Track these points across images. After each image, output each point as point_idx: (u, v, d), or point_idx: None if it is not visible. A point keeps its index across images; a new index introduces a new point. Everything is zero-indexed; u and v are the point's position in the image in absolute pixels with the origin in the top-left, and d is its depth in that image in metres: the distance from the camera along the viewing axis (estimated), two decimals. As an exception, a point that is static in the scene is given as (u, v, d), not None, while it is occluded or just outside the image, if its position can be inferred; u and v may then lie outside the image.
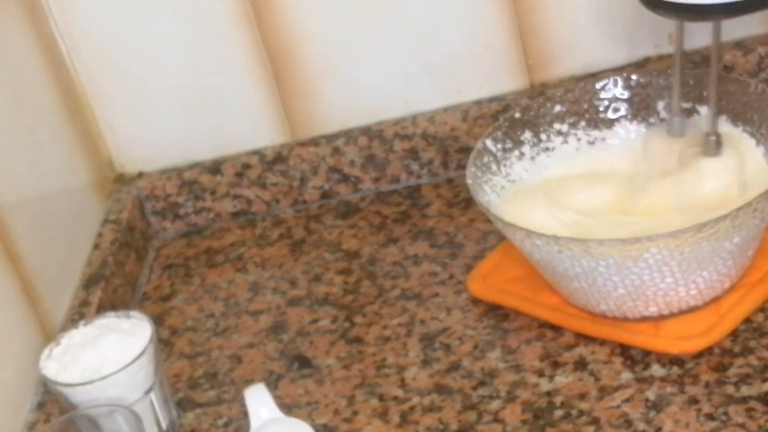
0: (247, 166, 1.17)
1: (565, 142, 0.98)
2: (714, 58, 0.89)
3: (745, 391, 0.81)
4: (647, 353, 0.86)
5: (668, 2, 0.84)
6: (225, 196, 1.18)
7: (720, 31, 0.88)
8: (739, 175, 0.89)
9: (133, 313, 0.91)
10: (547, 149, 0.98)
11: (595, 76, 1.10)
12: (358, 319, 0.99)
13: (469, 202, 1.09)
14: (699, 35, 1.00)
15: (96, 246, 1.10)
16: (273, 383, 0.94)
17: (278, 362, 0.96)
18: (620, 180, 0.94)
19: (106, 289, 1.05)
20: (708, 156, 0.90)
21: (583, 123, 0.99)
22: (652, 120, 0.98)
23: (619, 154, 0.97)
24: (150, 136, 1.19)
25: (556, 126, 0.99)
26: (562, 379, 0.86)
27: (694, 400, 0.81)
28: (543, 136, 0.98)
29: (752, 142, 0.92)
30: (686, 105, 0.96)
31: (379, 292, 1.01)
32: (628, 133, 0.98)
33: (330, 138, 1.16)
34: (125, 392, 0.85)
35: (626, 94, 0.98)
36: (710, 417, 0.79)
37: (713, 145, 0.90)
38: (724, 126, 0.94)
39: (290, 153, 1.16)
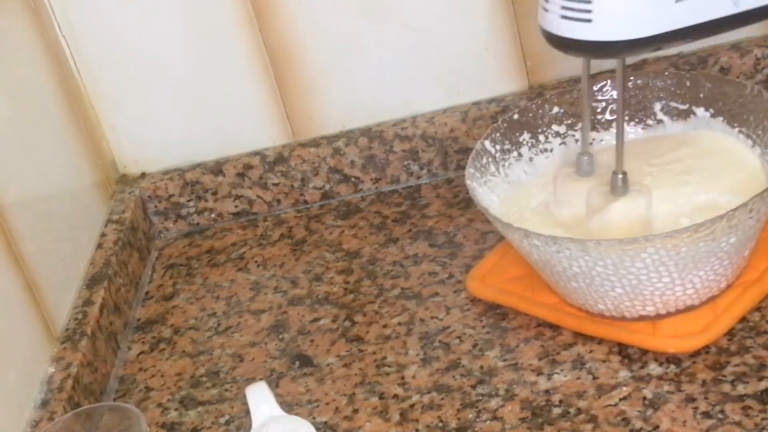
0: (248, 167, 1.18)
1: (563, 143, 0.99)
2: (619, 93, 0.88)
3: (741, 389, 0.81)
4: (644, 352, 0.86)
5: (574, 40, 0.82)
6: (227, 197, 1.19)
7: (625, 67, 0.87)
8: (645, 213, 0.88)
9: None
10: (545, 150, 0.99)
11: (593, 77, 1.10)
12: (358, 318, 0.99)
13: (468, 203, 1.09)
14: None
15: (99, 246, 1.11)
16: (274, 382, 0.94)
17: (279, 361, 0.97)
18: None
19: (109, 288, 1.05)
20: (615, 194, 0.89)
21: (580, 124, 0.99)
22: (649, 122, 0.99)
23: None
24: (152, 137, 1.19)
25: (554, 127, 0.99)
26: (561, 378, 0.86)
27: (691, 399, 0.81)
28: (541, 138, 0.99)
29: (748, 143, 0.93)
30: (683, 107, 0.97)
31: (379, 292, 1.02)
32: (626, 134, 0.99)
33: (330, 139, 1.17)
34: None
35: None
36: (707, 415, 0.80)
37: (620, 182, 0.89)
38: (720, 128, 0.95)
39: (291, 154, 1.17)
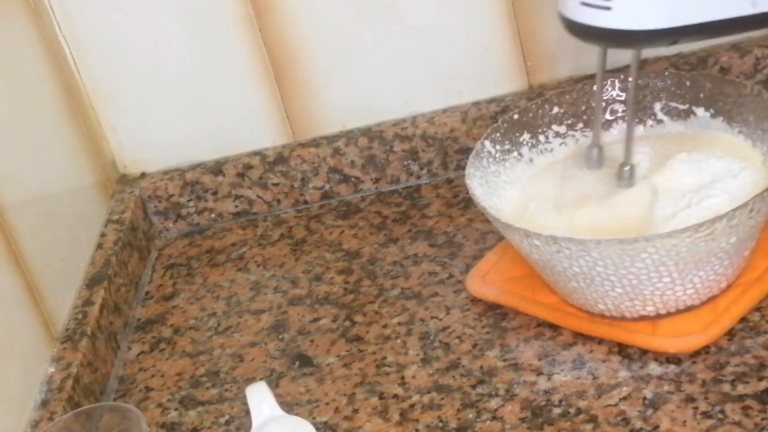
0: (248, 167, 1.18)
1: (563, 143, 0.99)
2: (632, 86, 0.89)
3: (741, 389, 0.81)
4: (644, 352, 0.86)
5: (592, 28, 0.83)
6: (227, 197, 1.19)
7: (639, 58, 0.88)
8: (650, 206, 0.88)
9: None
10: (545, 150, 0.99)
11: (593, 77, 1.10)
12: (358, 318, 0.99)
13: (468, 203, 1.09)
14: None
15: (99, 246, 1.11)
16: (274, 381, 0.94)
17: (279, 361, 0.97)
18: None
19: (109, 288, 1.05)
20: (622, 186, 0.90)
21: (581, 124, 0.99)
22: (649, 122, 0.99)
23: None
24: (152, 137, 1.19)
25: (554, 127, 0.99)
26: (561, 378, 0.86)
27: (690, 399, 0.81)
28: (541, 138, 0.99)
29: (748, 143, 0.93)
30: (683, 107, 0.97)
31: (379, 292, 1.02)
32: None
33: (331, 139, 1.17)
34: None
35: (623, 96, 0.99)
36: (707, 415, 0.80)
37: (627, 175, 0.90)
38: (720, 128, 0.95)
39: (291, 154, 1.17)
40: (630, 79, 0.90)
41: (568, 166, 0.95)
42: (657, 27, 0.81)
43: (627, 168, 0.90)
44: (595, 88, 0.93)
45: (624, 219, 0.88)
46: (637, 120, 0.99)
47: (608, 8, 0.81)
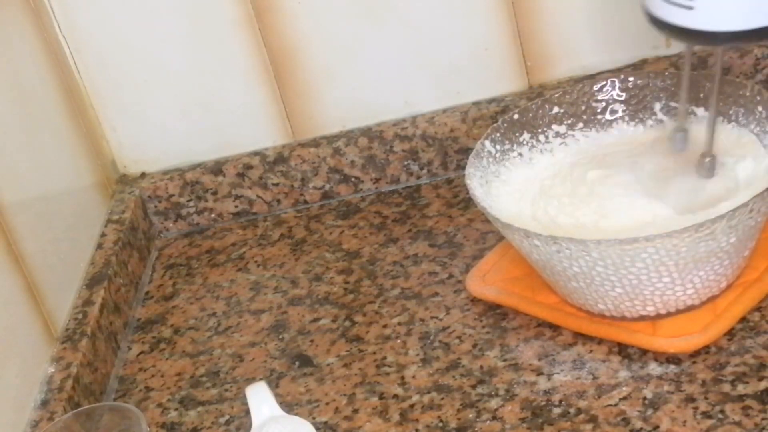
0: (248, 167, 1.18)
1: (564, 143, 0.99)
2: (717, 78, 0.88)
3: (741, 389, 0.81)
4: (644, 352, 0.86)
5: (674, 26, 0.82)
6: (227, 197, 1.19)
7: (723, 56, 0.87)
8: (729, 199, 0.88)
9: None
10: (545, 150, 0.99)
11: (593, 77, 1.10)
12: (358, 318, 0.99)
13: (468, 203, 1.09)
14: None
15: (99, 246, 1.11)
16: (274, 382, 0.94)
17: (279, 361, 0.97)
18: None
19: (109, 288, 1.05)
20: (701, 176, 0.89)
21: (580, 124, 0.99)
22: (649, 122, 0.99)
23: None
24: (152, 137, 1.19)
25: (554, 127, 0.99)
26: (561, 378, 0.86)
27: (690, 399, 0.82)
28: (541, 138, 0.99)
29: (750, 142, 0.93)
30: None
31: (379, 292, 1.02)
32: (624, 134, 0.99)
33: (330, 139, 1.17)
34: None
35: (623, 96, 0.99)
36: (707, 415, 0.80)
37: (708, 166, 0.89)
38: (720, 128, 0.95)
39: (291, 154, 1.17)
40: (715, 72, 0.89)
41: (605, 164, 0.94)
42: (740, 28, 0.80)
43: (708, 159, 0.89)
44: (684, 72, 0.91)
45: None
46: (637, 120, 0.99)
47: (691, 8, 0.80)
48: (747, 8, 0.80)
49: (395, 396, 0.89)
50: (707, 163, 0.89)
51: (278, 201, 1.19)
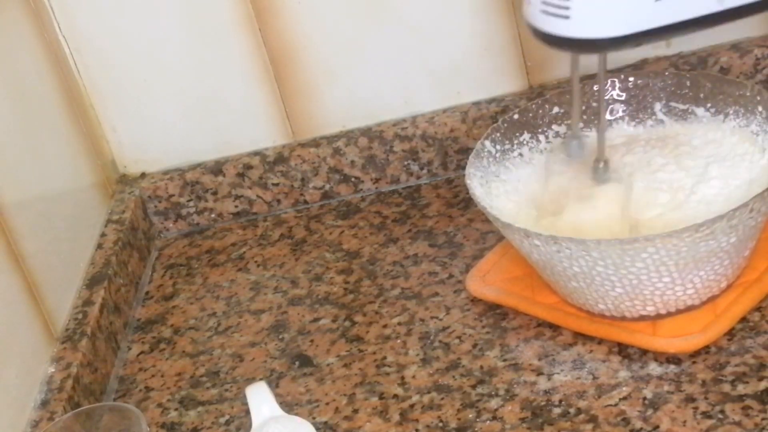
0: (248, 167, 1.18)
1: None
2: (600, 86, 0.89)
3: (741, 389, 0.81)
4: (645, 352, 0.86)
5: (553, 36, 0.82)
6: (227, 197, 1.19)
7: (605, 61, 0.87)
8: (624, 204, 0.88)
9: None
10: (545, 150, 0.99)
11: (593, 77, 1.10)
12: (358, 318, 1.00)
13: (468, 203, 1.09)
14: (697, 38, 1.01)
15: (99, 246, 1.11)
16: (274, 382, 0.94)
17: (279, 361, 0.97)
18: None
19: (109, 288, 1.05)
20: (596, 181, 0.90)
21: (580, 124, 0.99)
22: (650, 123, 0.99)
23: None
24: (153, 137, 1.19)
25: (554, 127, 0.99)
26: (561, 378, 0.86)
27: (691, 399, 0.82)
28: (541, 138, 0.99)
29: (749, 141, 0.93)
30: (683, 107, 0.97)
31: (379, 292, 1.02)
32: (625, 134, 0.99)
33: (331, 139, 1.17)
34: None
35: (623, 96, 0.99)
36: (707, 415, 0.80)
37: (601, 171, 0.90)
38: (720, 127, 0.95)
39: (291, 154, 1.17)
40: (597, 77, 0.90)
41: (553, 161, 0.94)
42: (618, 34, 0.79)
43: (601, 164, 0.90)
44: (573, 80, 0.92)
45: (603, 218, 0.88)
46: (637, 120, 0.99)
47: (567, 17, 0.80)
48: (622, 14, 0.79)
49: (395, 396, 0.89)
50: (600, 169, 0.90)
51: (278, 201, 1.19)
